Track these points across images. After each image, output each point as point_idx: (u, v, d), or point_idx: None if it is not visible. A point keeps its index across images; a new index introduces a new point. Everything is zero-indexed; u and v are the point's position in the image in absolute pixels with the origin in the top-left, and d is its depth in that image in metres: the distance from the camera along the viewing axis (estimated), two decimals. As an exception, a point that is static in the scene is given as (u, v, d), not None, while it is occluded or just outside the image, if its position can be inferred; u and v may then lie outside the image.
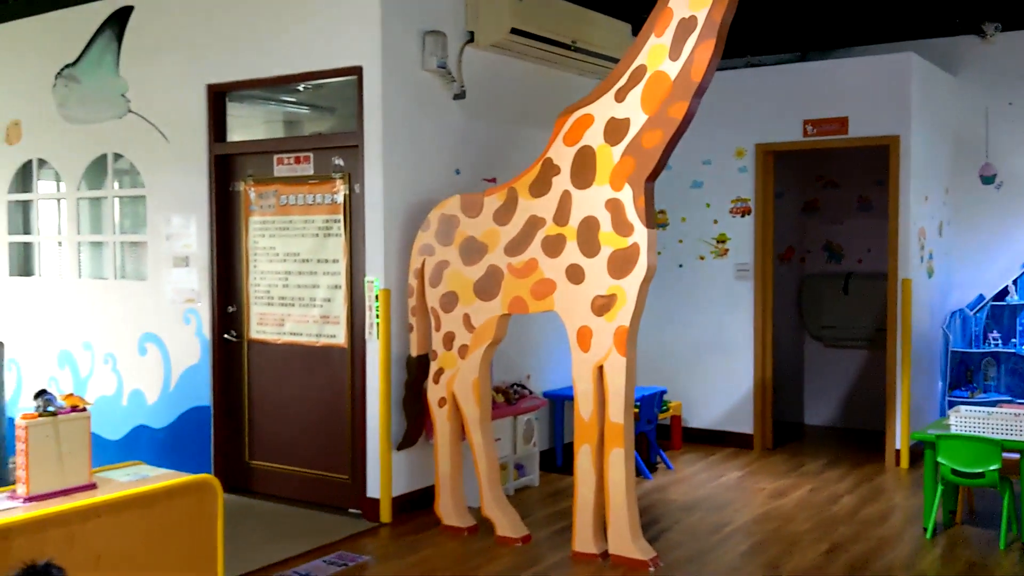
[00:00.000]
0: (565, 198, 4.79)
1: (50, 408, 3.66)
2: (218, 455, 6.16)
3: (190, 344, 6.26)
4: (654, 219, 4.63)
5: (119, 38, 6.51)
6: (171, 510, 3.82)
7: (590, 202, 4.71)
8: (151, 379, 6.47)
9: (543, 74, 6.64)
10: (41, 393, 3.67)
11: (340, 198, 5.67)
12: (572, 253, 4.76)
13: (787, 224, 8.15)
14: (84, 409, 3.75)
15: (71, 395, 3.76)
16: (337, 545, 5.07)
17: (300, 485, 5.92)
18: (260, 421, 6.10)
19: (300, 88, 6.11)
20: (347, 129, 5.71)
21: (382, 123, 5.41)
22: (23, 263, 7.40)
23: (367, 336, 5.52)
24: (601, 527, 4.85)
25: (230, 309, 6.18)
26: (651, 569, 4.68)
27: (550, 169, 4.85)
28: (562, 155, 4.81)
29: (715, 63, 4.35)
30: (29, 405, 7.12)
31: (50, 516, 3.44)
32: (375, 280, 5.47)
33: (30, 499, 3.56)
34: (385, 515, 5.44)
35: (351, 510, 5.64)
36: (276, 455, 6.03)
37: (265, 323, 6.05)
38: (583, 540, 4.84)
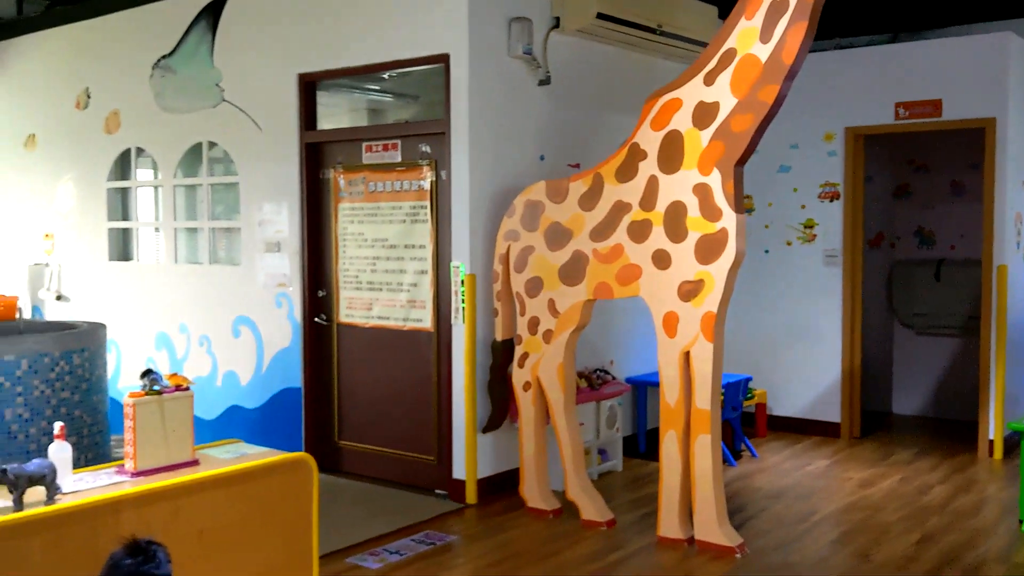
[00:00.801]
0: (652, 183, 4.78)
1: (155, 387, 3.80)
2: (308, 435, 6.33)
3: (282, 327, 6.43)
4: (743, 204, 4.60)
5: (213, 29, 6.70)
6: (269, 487, 3.95)
7: (677, 187, 4.69)
8: (244, 361, 6.67)
9: (628, 59, 6.61)
10: (147, 373, 3.81)
11: (427, 184, 5.75)
12: (659, 238, 4.75)
13: (877, 209, 7.96)
14: (187, 388, 3.89)
15: (175, 375, 3.91)
16: (424, 525, 5.17)
17: (387, 465, 6.04)
18: (349, 403, 6.25)
19: (385, 76, 6.20)
20: (432, 116, 5.79)
21: (468, 110, 5.47)
22: (122, 248, 7.68)
23: (453, 320, 5.60)
24: (687, 513, 4.85)
25: (320, 293, 6.33)
26: (738, 555, 4.67)
27: (637, 154, 4.84)
28: (649, 140, 4.80)
29: (807, 45, 4.29)
30: (128, 385, 7.43)
31: (156, 491, 3.59)
32: (461, 265, 5.54)
33: (137, 474, 3.72)
34: (471, 496, 5.52)
35: (437, 491, 5.75)
36: (364, 436, 6.17)
37: (354, 307, 6.18)
38: (669, 525, 4.85)
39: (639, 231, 4.82)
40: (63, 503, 3.35)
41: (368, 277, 6.10)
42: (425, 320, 5.83)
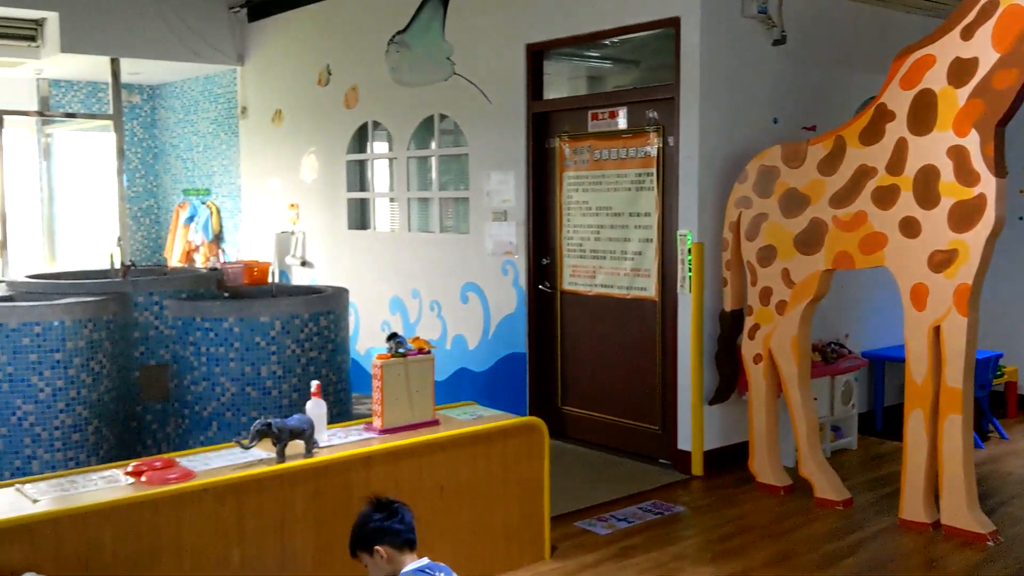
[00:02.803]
0: (900, 145, 4.49)
1: (400, 350, 3.99)
2: (533, 400, 6.46)
3: (507, 294, 6.59)
4: (1004, 167, 4.23)
5: (445, 4, 6.89)
6: (504, 448, 4.08)
7: (929, 149, 4.38)
8: (472, 326, 6.89)
9: (868, 14, 6.22)
10: (393, 336, 4.01)
11: (653, 151, 5.68)
12: (907, 204, 4.46)
13: None
14: (429, 352, 4.07)
15: (418, 338, 4.09)
16: (650, 494, 5.16)
17: (610, 433, 6.07)
18: (572, 369, 6.32)
19: (607, 43, 6.16)
20: (658, 81, 5.70)
21: (699, 73, 5.34)
22: (360, 217, 8.10)
23: (679, 290, 5.52)
24: (932, 495, 4.57)
25: (544, 261, 6.42)
26: (989, 543, 4.36)
27: (884, 115, 4.56)
28: (898, 99, 4.50)
29: (1084, -10, 3.87)
30: (366, 346, 7.85)
31: (403, 448, 3.79)
32: (688, 233, 5.44)
33: (384, 431, 3.93)
34: (696, 468, 5.46)
35: (661, 460, 5.72)
36: (587, 402, 6.23)
37: (577, 275, 6.22)
38: (912, 508, 4.59)
39: (885, 197, 4.55)
40: (320, 456, 3.59)
41: (592, 245, 6.12)
42: (649, 289, 5.78)
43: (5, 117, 8.77)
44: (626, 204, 5.89)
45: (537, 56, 6.35)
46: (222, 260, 9.42)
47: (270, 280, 6.34)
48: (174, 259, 10.04)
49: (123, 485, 3.25)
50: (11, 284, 5.69)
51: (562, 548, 4.34)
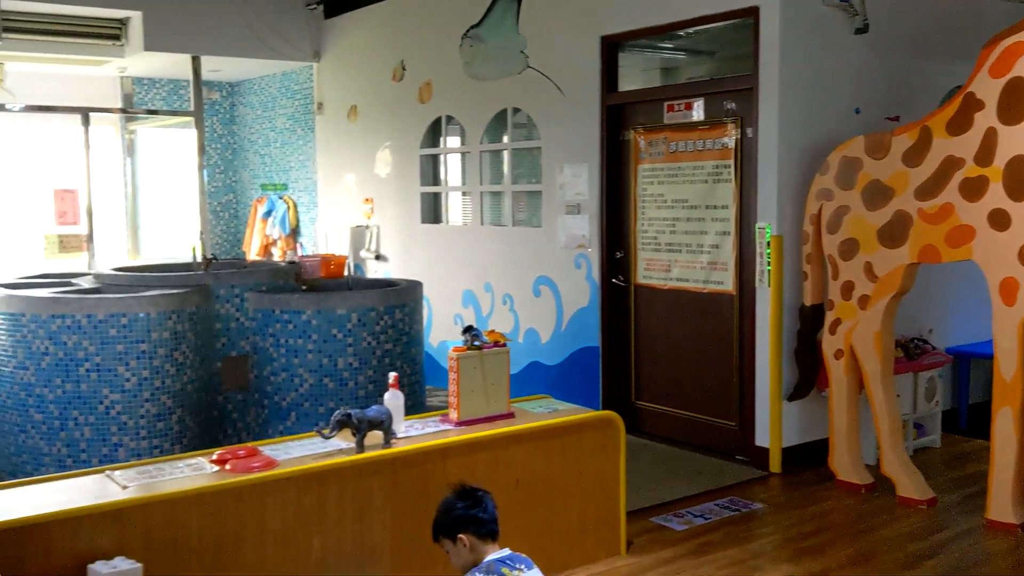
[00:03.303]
0: (989, 135, 4.34)
1: (476, 343, 4.01)
2: (606, 394, 6.43)
3: (580, 287, 6.56)
4: (1102, 157, 4.07)
5: (519, -3, 6.90)
6: (580, 442, 4.06)
7: (1020, 139, 4.23)
8: (544, 319, 6.88)
9: (955, 0, 6.04)
10: (469, 329, 4.03)
11: (731, 143, 5.60)
12: (996, 196, 4.32)
13: None
14: (504, 344, 4.07)
15: (493, 331, 4.09)
16: (728, 490, 5.09)
17: (684, 428, 6.01)
18: (646, 363, 6.27)
19: (681, 33, 6.08)
20: (731, 73, 5.61)
21: (779, 63, 5.24)
22: (432, 211, 8.16)
23: (757, 284, 5.43)
24: (1021, 496, 4.43)
25: (618, 255, 6.38)
26: (1084, 549, 4.21)
27: (972, 104, 4.42)
28: (987, 88, 4.35)
29: None
30: (437, 339, 7.91)
31: (479, 440, 3.80)
32: (767, 226, 5.35)
33: (461, 423, 3.95)
34: (774, 465, 5.37)
35: (738, 457, 5.64)
36: (661, 397, 6.17)
37: (652, 269, 6.17)
38: (999, 508, 4.45)
39: (973, 189, 4.41)
40: (398, 447, 3.62)
41: (667, 239, 6.05)
42: (726, 283, 5.70)
43: (91, 115, 9.02)
44: (703, 197, 5.81)
45: (612, 48, 6.31)
46: (300, 254, 9.58)
47: (346, 274, 6.42)
48: (252, 253, 10.25)
49: (208, 473, 3.32)
50: (98, 276, 5.86)
51: (638, 543, 4.31)
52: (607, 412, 4.25)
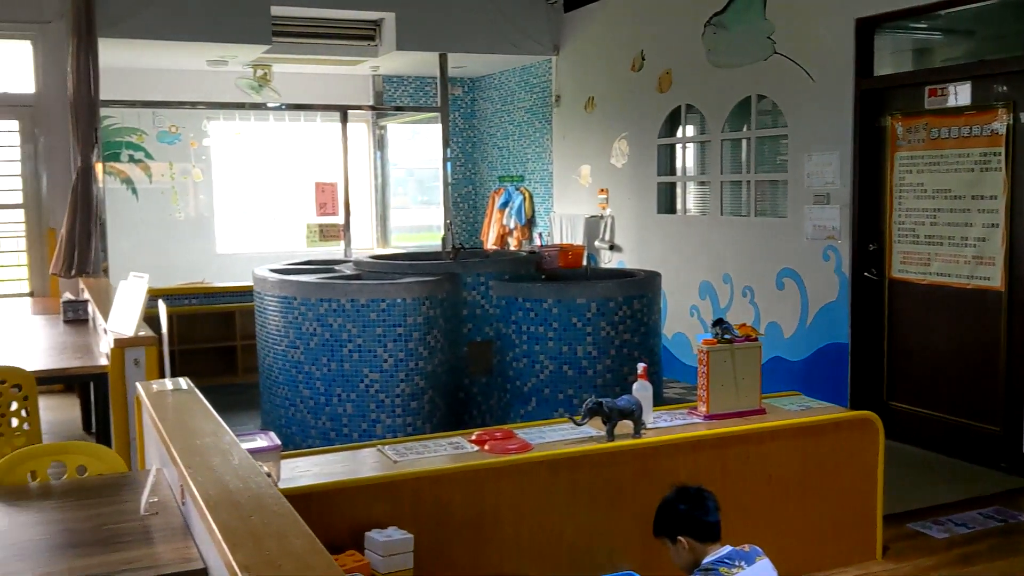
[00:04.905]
0: None
1: (727, 336, 3.95)
2: (855, 393, 6.15)
3: (828, 281, 6.31)
4: None
5: (766, -19, 6.70)
6: (835, 442, 3.93)
7: None
8: (788, 313, 6.67)
9: None
10: (719, 322, 3.98)
11: (1002, 128, 5.19)
12: None
13: None
14: (756, 339, 3.99)
15: (744, 325, 4.02)
16: (991, 500, 4.75)
17: (941, 431, 5.65)
18: (900, 362, 5.94)
19: (940, 14, 5.68)
20: (999, 54, 5.18)
21: (1063, 40, 4.81)
22: (668, 201, 8.10)
23: (1031, 280, 5.02)
24: None
25: (871, 247, 6.07)
26: None
27: None
28: None
29: None
30: (672, 331, 7.86)
31: (730, 435, 3.75)
32: (1043, 218, 4.93)
33: (710, 417, 3.91)
34: (1046, 476, 4.96)
35: (1002, 465, 5.24)
36: (917, 398, 5.83)
37: (909, 262, 5.83)
38: None
39: None
40: (649, 438, 3.64)
41: (927, 230, 5.70)
42: (994, 279, 5.30)
43: (348, 112, 9.63)
44: (968, 186, 5.43)
45: (867, 30, 6.00)
46: (538, 243, 9.80)
47: (584, 263, 6.51)
48: (489, 242, 10.59)
49: (469, 452, 3.48)
50: (357, 264, 6.27)
51: (894, 548, 4.11)
52: (866, 412, 4.08)
